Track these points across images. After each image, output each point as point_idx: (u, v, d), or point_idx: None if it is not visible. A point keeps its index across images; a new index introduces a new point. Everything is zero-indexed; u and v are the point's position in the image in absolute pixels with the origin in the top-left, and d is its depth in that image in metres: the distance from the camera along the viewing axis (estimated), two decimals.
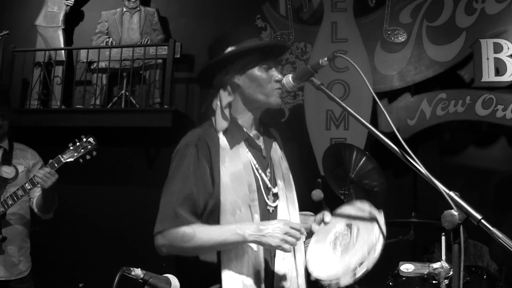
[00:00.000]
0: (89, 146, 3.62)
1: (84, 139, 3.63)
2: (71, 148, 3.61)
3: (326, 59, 2.19)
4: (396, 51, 6.40)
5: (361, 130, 6.03)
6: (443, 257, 3.62)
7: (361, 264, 1.97)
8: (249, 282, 2.06)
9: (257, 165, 2.24)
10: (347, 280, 1.98)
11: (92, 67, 7.24)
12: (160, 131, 6.87)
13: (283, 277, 2.17)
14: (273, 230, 2.00)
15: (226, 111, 2.24)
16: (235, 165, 2.14)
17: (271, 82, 2.26)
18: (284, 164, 2.39)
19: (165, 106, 6.82)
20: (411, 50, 6.35)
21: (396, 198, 5.78)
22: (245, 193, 2.12)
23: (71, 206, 6.38)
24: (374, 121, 5.97)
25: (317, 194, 4.17)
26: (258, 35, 2.44)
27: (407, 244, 5.09)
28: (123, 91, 7.15)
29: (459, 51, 6.17)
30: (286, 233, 2.00)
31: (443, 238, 3.40)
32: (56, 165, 3.57)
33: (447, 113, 6.05)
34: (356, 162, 4.69)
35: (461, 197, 1.75)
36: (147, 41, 7.18)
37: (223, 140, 2.18)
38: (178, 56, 7.01)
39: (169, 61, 6.93)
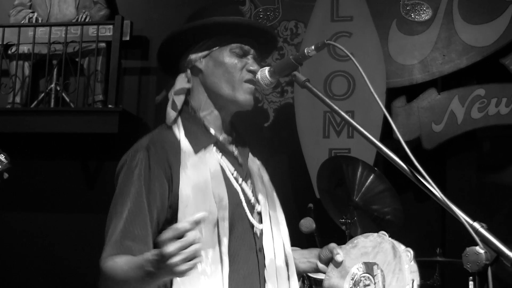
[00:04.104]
0: None
1: None
2: None
3: (313, 47, 2.19)
4: (418, 33, 6.44)
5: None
6: None
7: None
8: None
9: (235, 174, 2.25)
10: None
11: (9, 52, 7.22)
12: (102, 139, 6.86)
13: None
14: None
15: (178, 100, 2.26)
16: (200, 173, 2.14)
17: (242, 71, 2.26)
18: (266, 177, 2.42)
19: (110, 106, 6.82)
20: (438, 32, 6.39)
21: (418, 229, 5.78)
22: (210, 211, 2.10)
23: None
24: (388, 126, 5.97)
25: (307, 224, 4.17)
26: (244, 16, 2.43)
27: None
28: (52, 85, 7.14)
29: (503, 32, 6.23)
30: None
31: (471, 283, 3.38)
32: None
33: (486, 116, 6.09)
34: (361, 182, 4.69)
35: (493, 229, 1.75)
36: (86, 18, 7.17)
37: (184, 143, 2.18)
38: (128, 38, 7.02)
39: (115, 45, 6.95)
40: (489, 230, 1.77)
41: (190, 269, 1.76)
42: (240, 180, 2.25)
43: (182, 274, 1.77)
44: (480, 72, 6.30)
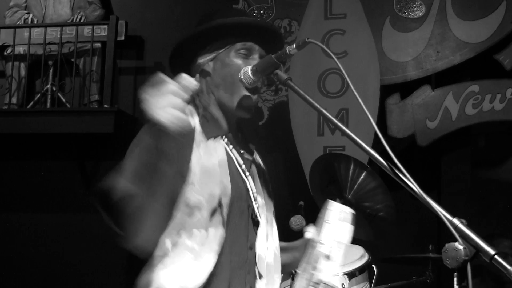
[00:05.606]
0: None
1: None
2: None
3: (294, 46, 2.21)
4: (411, 30, 6.44)
5: (364, 136, 5.97)
6: None
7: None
8: None
9: (243, 166, 2.31)
10: None
11: (5, 53, 7.22)
12: (99, 139, 6.86)
13: None
14: None
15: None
16: (209, 158, 2.18)
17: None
18: (264, 177, 2.47)
19: (106, 106, 6.82)
20: (432, 28, 6.38)
21: (412, 226, 5.77)
22: (212, 195, 2.13)
23: None
24: (382, 123, 5.96)
25: (297, 221, 4.14)
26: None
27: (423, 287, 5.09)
28: (48, 86, 7.13)
29: (496, 28, 6.21)
30: None
31: (455, 279, 3.38)
32: None
33: (480, 112, 6.09)
34: (353, 179, 4.66)
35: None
36: (81, 18, 7.17)
37: (197, 126, 2.23)
38: (123, 38, 7.01)
39: (110, 45, 6.95)
40: (468, 226, 1.77)
41: None
42: (247, 173, 2.31)
43: None
44: (474, 69, 6.29)
